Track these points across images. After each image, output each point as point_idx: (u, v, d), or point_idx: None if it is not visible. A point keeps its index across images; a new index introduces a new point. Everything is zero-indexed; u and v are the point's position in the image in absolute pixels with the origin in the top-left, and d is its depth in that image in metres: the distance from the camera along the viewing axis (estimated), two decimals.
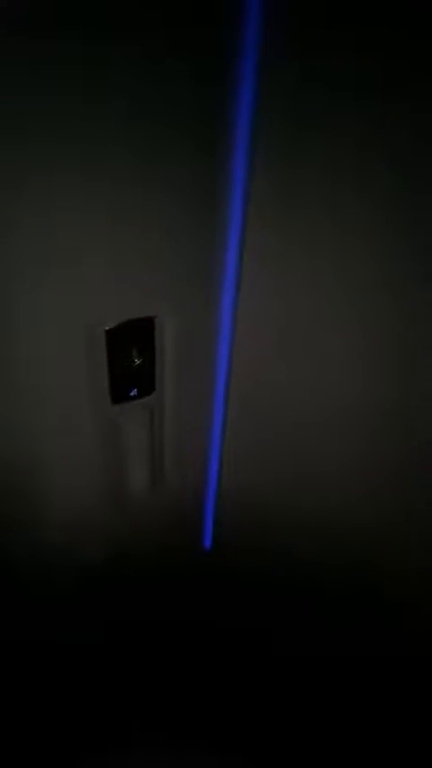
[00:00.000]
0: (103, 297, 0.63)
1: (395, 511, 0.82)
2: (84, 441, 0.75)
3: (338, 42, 0.49)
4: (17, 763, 1.06)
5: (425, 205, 0.57)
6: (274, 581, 0.99)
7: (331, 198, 0.59)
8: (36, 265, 0.57)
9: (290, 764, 1.10)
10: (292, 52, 0.50)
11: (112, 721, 1.13)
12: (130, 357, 0.69)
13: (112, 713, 1.13)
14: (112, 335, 0.66)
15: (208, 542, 0.96)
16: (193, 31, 0.48)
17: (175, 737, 1.13)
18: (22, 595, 0.91)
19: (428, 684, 0.94)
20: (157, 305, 0.66)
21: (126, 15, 0.45)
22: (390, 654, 0.97)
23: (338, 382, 0.74)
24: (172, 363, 0.73)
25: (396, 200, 0.57)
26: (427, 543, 0.81)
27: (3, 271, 0.57)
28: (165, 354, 0.71)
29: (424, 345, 0.67)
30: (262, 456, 0.85)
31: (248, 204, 0.59)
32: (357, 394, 0.74)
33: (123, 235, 0.59)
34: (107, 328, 0.65)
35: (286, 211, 0.60)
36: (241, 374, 0.75)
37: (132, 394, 0.73)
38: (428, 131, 0.53)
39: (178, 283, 0.65)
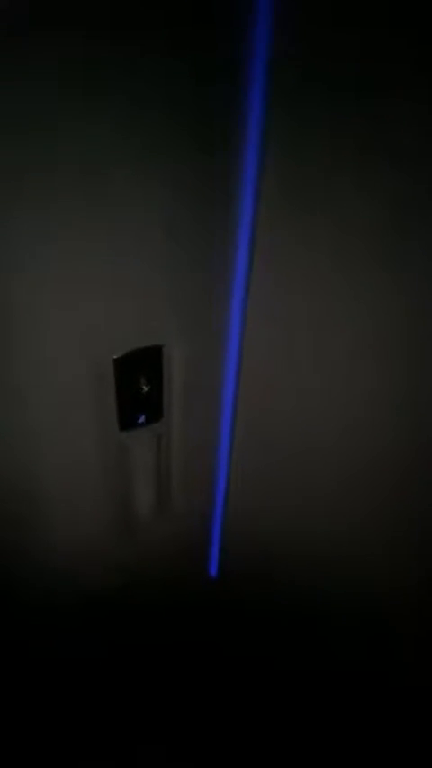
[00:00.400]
0: (112, 326, 0.64)
1: (402, 538, 0.81)
2: (91, 467, 0.75)
3: (347, 42, 0.49)
4: None
5: None
6: (280, 608, 0.98)
7: (341, 224, 0.59)
8: (44, 294, 0.58)
9: None
10: (300, 51, 0.49)
11: (117, 745, 1.11)
12: (139, 385, 0.70)
13: (117, 738, 1.11)
14: (120, 364, 0.66)
15: (214, 569, 0.95)
16: (200, 31, 0.48)
17: (177, 759, 1.12)
18: (28, 620, 0.91)
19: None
20: (164, 333, 0.67)
21: (132, 16, 0.45)
22: (395, 683, 0.96)
23: (346, 408, 0.74)
24: (180, 390, 0.73)
25: (408, 201, 0.57)
26: None
27: (11, 300, 0.58)
28: (172, 381, 0.72)
29: None
30: (268, 482, 0.85)
31: (256, 231, 0.60)
32: (366, 420, 0.74)
33: (131, 264, 0.60)
34: (116, 357, 0.66)
35: (294, 240, 0.61)
36: (248, 401, 0.75)
37: (140, 421, 0.73)
38: None
39: (186, 311, 0.66)
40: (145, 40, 0.47)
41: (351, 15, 0.47)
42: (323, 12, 0.47)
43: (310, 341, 0.69)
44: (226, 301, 0.67)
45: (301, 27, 0.48)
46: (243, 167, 0.56)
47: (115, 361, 0.66)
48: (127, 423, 0.72)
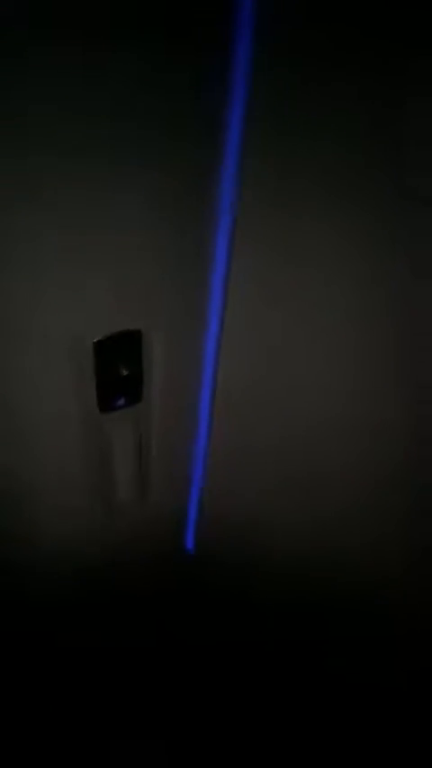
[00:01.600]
0: (92, 309, 0.64)
1: (379, 515, 0.84)
2: (72, 449, 0.76)
3: (331, 41, 0.50)
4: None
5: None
6: (257, 585, 1.01)
7: (322, 203, 0.60)
8: (24, 277, 0.58)
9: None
10: (284, 52, 0.50)
11: (103, 722, 1.13)
12: (118, 368, 0.71)
13: (102, 713, 1.13)
14: (99, 347, 0.67)
15: (191, 548, 0.97)
16: (186, 30, 0.48)
17: (161, 737, 1.14)
18: (7, 600, 0.92)
19: (422, 689, 0.96)
20: (145, 317, 0.67)
21: (121, 16, 0.46)
22: (382, 658, 0.99)
23: (325, 391, 0.75)
24: (159, 373, 0.74)
25: (392, 204, 0.58)
26: (417, 546, 0.83)
27: None
28: (152, 365, 0.73)
29: (417, 350, 0.68)
30: (247, 463, 0.86)
31: (236, 216, 0.60)
32: (344, 403, 0.75)
33: (112, 248, 0.60)
34: (95, 340, 0.66)
35: (274, 221, 0.61)
36: (227, 383, 0.77)
37: (120, 404, 0.74)
38: (423, 129, 0.53)
39: (166, 296, 0.66)
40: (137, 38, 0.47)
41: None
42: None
43: (289, 322, 0.70)
44: (206, 285, 0.67)
45: (286, 26, 0.49)
46: (223, 149, 0.57)
47: (95, 344, 0.66)
48: (107, 405, 0.73)
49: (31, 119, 0.49)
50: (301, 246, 0.63)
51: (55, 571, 0.90)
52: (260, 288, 0.68)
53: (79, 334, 0.65)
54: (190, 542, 0.98)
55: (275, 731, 1.14)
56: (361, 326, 0.68)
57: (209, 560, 0.98)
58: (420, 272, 0.61)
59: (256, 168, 0.57)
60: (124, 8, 0.46)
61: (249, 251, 0.64)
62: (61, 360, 0.66)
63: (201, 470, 0.86)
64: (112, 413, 0.74)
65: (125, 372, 0.71)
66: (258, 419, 0.80)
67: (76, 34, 0.46)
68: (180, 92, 0.51)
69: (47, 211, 0.54)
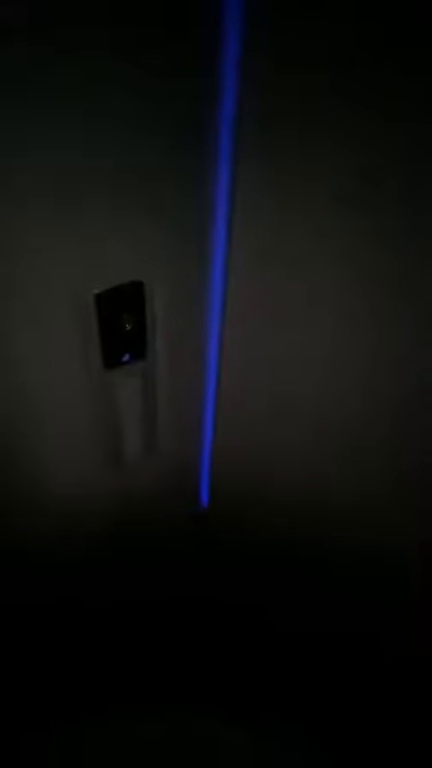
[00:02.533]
0: (92, 262, 0.63)
1: (386, 473, 0.83)
2: (78, 406, 0.76)
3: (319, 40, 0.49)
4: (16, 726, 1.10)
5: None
6: (271, 540, 1.01)
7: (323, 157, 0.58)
8: (21, 231, 0.57)
9: (284, 729, 1.14)
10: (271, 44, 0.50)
11: (111, 686, 1.16)
12: (122, 322, 0.70)
13: (110, 677, 1.16)
14: (101, 300, 0.66)
15: (204, 503, 0.97)
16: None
17: (170, 701, 1.17)
18: (21, 562, 0.93)
19: (423, 654, 0.96)
20: (147, 269, 0.66)
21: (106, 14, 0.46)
22: (394, 618, 0.99)
23: (332, 345, 0.74)
24: (164, 328, 0.73)
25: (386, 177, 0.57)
26: (419, 508, 0.83)
27: None
28: (156, 319, 0.71)
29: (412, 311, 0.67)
30: (256, 417, 0.86)
31: (238, 165, 0.58)
32: (350, 356, 0.74)
33: (112, 198, 0.58)
34: (96, 293, 0.65)
35: (278, 173, 0.60)
36: (234, 337, 0.75)
37: (125, 359, 0.73)
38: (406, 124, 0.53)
39: (168, 248, 0.65)
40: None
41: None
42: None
43: (296, 276, 0.68)
44: (209, 237, 0.65)
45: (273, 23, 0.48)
46: (222, 104, 0.55)
47: (96, 296, 0.65)
48: (111, 361, 0.72)
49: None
50: (312, 192, 0.61)
51: (66, 527, 0.91)
52: (266, 237, 0.66)
53: (80, 287, 0.64)
54: (204, 497, 0.98)
55: (283, 688, 1.16)
56: (377, 276, 0.66)
57: (223, 514, 0.98)
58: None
59: (259, 116, 0.55)
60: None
61: (254, 199, 0.61)
62: (63, 315, 0.66)
63: (211, 425, 0.86)
64: (118, 369, 0.74)
65: (128, 326, 0.70)
66: (269, 370, 0.79)
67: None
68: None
69: (43, 162, 0.53)
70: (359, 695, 1.08)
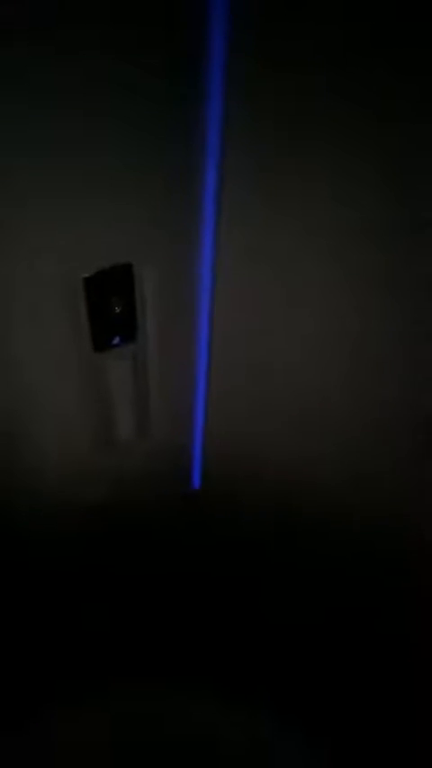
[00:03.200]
0: (81, 245, 0.62)
1: (381, 454, 0.84)
2: (68, 389, 0.76)
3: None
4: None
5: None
6: (262, 519, 1.02)
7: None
8: (8, 213, 0.56)
9: (279, 706, 1.16)
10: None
11: (106, 664, 1.18)
12: (111, 304, 0.69)
13: (105, 656, 1.17)
14: (90, 283, 0.65)
15: (197, 482, 0.98)
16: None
17: (164, 680, 1.18)
18: (13, 543, 0.94)
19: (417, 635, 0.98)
20: (136, 251, 0.65)
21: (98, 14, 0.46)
22: (379, 595, 1.01)
23: (323, 325, 0.73)
24: (154, 310, 0.72)
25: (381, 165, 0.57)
26: (415, 487, 0.83)
27: None
28: (146, 301, 0.71)
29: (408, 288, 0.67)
30: (247, 398, 0.86)
31: (227, 150, 0.58)
32: (344, 333, 0.74)
33: (101, 181, 0.57)
34: (85, 276, 0.64)
35: (266, 153, 0.59)
36: (224, 317, 0.75)
37: (115, 342, 0.73)
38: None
39: (158, 229, 0.64)
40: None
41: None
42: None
43: (285, 251, 0.68)
44: (198, 216, 0.64)
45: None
46: (210, 77, 0.53)
47: (85, 280, 0.64)
48: (101, 344, 0.72)
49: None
50: (298, 172, 0.60)
51: (57, 510, 0.91)
52: (255, 216, 0.65)
53: (69, 270, 0.63)
54: (196, 479, 0.98)
55: (276, 664, 1.17)
56: (366, 246, 0.65)
57: (215, 494, 0.99)
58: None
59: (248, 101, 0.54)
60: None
61: (243, 180, 0.61)
62: (52, 298, 0.65)
63: (202, 406, 0.86)
64: (108, 351, 0.73)
65: (118, 309, 0.69)
66: (259, 350, 0.78)
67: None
68: None
69: (34, 139, 0.52)
70: (353, 675, 1.10)
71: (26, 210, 0.57)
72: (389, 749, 1.07)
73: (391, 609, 0.99)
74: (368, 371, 0.75)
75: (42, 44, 0.46)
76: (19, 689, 1.12)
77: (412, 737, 1.03)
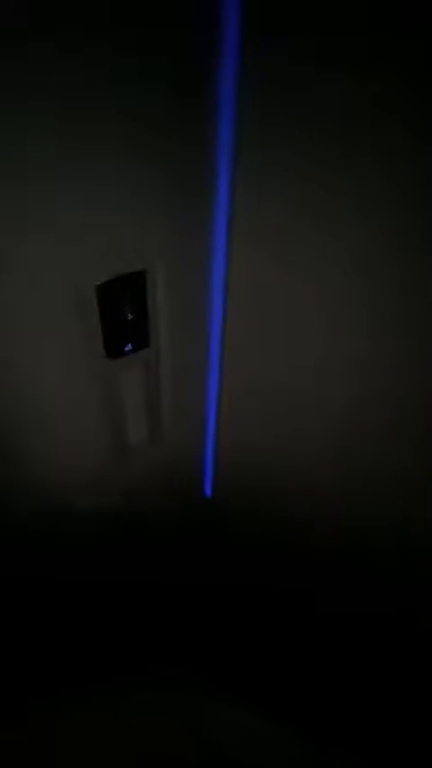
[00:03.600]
0: (93, 252, 0.62)
1: (396, 456, 0.83)
2: (82, 397, 0.75)
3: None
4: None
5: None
6: (274, 526, 1.01)
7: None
8: (22, 220, 0.56)
9: (290, 710, 1.15)
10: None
11: (118, 663, 1.17)
12: (123, 312, 0.69)
13: (116, 656, 1.17)
14: (103, 291, 0.65)
15: (208, 491, 0.97)
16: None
17: (178, 677, 1.18)
18: (23, 548, 0.94)
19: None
20: (148, 258, 0.65)
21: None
22: (391, 597, 1.00)
23: (338, 329, 0.73)
24: (166, 316, 0.72)
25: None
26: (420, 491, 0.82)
27: None
28: (158, 307, 0.71)
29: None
30: (259, 404, 0.85)
31: (238, 150, 0.58)
32: (357, 341, 0.73)
33: (112, 188, 0.57)
34: (98, 283, 0.64)
35: (279, 158, 0.58)
36: (236, 323, 0.75)
37: (127, 349, 0.73)
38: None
39: (169, 235, 0.64)
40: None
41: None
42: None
43: (301, 264, 0.67)
44: (210, 222, 0.64)
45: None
46: (223, 76, 0.53)
47: (98, 287, 0.64)
48: (114, 351, 0.72)
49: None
50: (313, 180, 0.60)
51: (70, 518, 0.91)
52: (267, 223, 0.64)
53: (82, 277, 0.63)
54: (208, 487, 0.98)
55: (286, 669, 1.16)
56: (386, 258, 0.64)
57: (226, 504, 0.98)
58: None
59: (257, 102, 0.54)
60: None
61: (254, 187, 0.60)
62: (65, 305, 0.65)
63: (214, 414, 0.85)
64: (120, 358, 0.73)
65: (131, 316, 0.69)
66: (272, 356, 0.78)
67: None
68: None
69: (43, 147, 0.52)
70: (362, 677, 1.09)
71: (38, 216, 0.57)
72: (386, 739, 1.06)
73: (403, 612, 0.97)
74: (379, 381, 0.74)
75: (44, 40, 0.46)
76: (26, 681, 1.12)
77: (410, 729, 1.02)
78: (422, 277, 0.61)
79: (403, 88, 0.51)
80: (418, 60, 0.49)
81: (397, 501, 0.85)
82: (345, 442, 0.84)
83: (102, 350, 0.71)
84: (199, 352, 0.78)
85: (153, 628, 1.17)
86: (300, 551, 1.02)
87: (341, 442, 0.84)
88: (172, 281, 0.68)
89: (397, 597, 0.96)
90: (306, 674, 1.15)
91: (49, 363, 0.70)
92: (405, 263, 0.61)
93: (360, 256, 0.63)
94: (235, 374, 0.81)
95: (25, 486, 0.84)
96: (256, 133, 0.56)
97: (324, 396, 0.79)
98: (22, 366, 0.69)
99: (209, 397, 0.84)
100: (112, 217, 0.60)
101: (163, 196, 0.60)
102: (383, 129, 0.54)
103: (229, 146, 0.58)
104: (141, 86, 0.52)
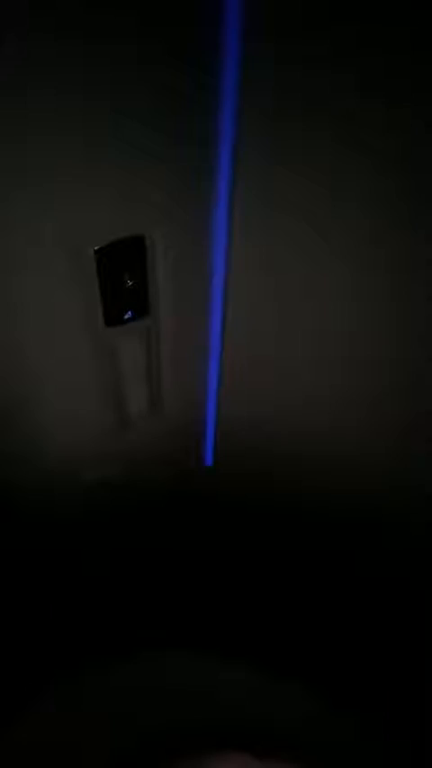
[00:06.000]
0: (92, 217, 0.60)
1: (393, 420, 0.83)
2: (81, 366, 0.75)
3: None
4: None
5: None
6: (275, 494, 1.02)
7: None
8: (19, 185, 0.55)
9: (288, 669, 1.17)
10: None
11: (119, 636, 1.19)
12: (123, 278, 0.68)
13: (119, 627, 1.18)
14: (101, 256, 0.64)
15: (209, 460, 0.97)
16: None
17: (177, 647, 1.19)
18: (29, 519, 0.94)
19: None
20: (149, 224, 0.64)
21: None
22: (388, 570, 1.01)
23: (341, 296, 0.72)
24: (166, 283, 0.71)
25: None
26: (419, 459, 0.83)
27: None
28: (158, 274, 0.69)
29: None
30: (260, 372, 0.84)
31: (240, 126, 0.56)
32: (359, 309, 0.72)
33: (109, 151, 0.56)
34: (96, 248, 0.63)
35: (281, 126, 0.57)
36: (238, 290, 0.73)
37: (127, 317, 0.72)
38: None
39: (170, 201, 0.62)
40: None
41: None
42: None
43: (302, 232, 0.66)
44: (211, 186, 0.63)
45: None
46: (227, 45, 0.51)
47: (96, 252, 0.63)
48: (113, 319, 0.71)
49: None
50: (311, 147, 0.58)
51: (69, 488, 0.91)
52: (269, 188, 0.63)
53: (80, 243, 0.62)
54: (208, 456, 0.98)
55: (291, 629, 1.18)
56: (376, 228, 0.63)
57: (227, 473, 0.99)
58: None
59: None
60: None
61: (256, 152, 0.59)
62: (64, 272, 0.64)
63: (215, 382, 0.85)
64: (120, 326, 0.72)
65: (130, 283, 0.68)
66: (272, 324, 0.77)
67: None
68: None
69: (39, 107, 0.50)
70: (356, 637, 1.11)
71: (37, 182, 0.55)
72: (390, 696, 1.09)
73: (400, 585, 0.99)
74: (375, 347, 0.73)
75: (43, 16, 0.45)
76: (31, 655, 1.14)
77: (412, 684, 1.05)
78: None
79: (406, 87, 0.51)
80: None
81: (395, 466, 0.85)
82: (343, 409, 0.84)
83: (101, 317, 0.70)
84: (200, 320, 0.77)
85: (155, 596, 1.19)
86: (300, 517, 1.03)
87: (340, 409, 0.84)
88: (172, 248, 0.67)
89: (397, 559, 0.97)
90: (310, 633, 1.17)
91: (46, 330, 0.69)
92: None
93: (366, 222, 0.62)
94: (236, 342, 0.80)
95: (24, 458, 0.84)
96: (259, 98, 0.54)
97: (328, 362, 0.79)
98: (19, 333, 0.68)
99: (209, 366, 0.83)
100: (112, 181, 0.58)
101: (165, 160, 0.58)
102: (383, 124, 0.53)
103: (233, 111, 0.56)
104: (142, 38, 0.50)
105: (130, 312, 0.71)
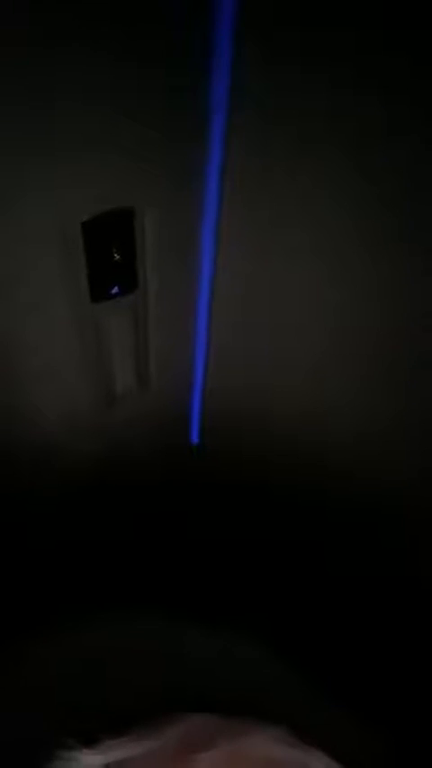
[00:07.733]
0: (77, 187, 0.58)
1: (386, 403, 0.82)
2: (65, 343, 0.73)
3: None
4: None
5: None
6: (261, 471, 1.02)
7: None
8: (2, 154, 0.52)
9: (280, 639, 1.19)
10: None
11: (108, 613, 1.19)
12: (110, 252, 0.66)
13: (107, 606, 1.19)
14: (88, 228, 0.61)
15: (195, 439, 0.97)
16: None
17: (172, 628, 1.20)
18: (12, 493, 0.93)
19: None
20: (137, 195, 0.62)
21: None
22: (394, 552, 1.01)
23: (334, 268, 0.71)
24: (155, 257, 0.69)
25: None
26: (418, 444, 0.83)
27: None
28: (147, 248, 0.67)
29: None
30: (249, 350, 0.84)
31: (234, 92, 0.54)
32: (355, 284, 0.71)
33: (96, 117, 0.53)
34: (83, 221, 0.60)
35: (276, 106, 0.55)
36: (228, 267, 0.72)
37: (114, 291, 0.70)
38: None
39: (159, 172, 0.60)
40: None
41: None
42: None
43: (292, 207, 0.64)
44: (202, 157, 0.61)
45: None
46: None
47: (83, 225, 0.61)
48: (99, 294, 0.69)
49: None
50: (308, 114, 0.56)
51: (55, 464, 0.90)
52: (264, 162, 0.61)
53: (66, 215, 0.60)
54: (195, 435, 0.97)
55: (279, 624, 1.20)
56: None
57: (214, 450, 0.98)
58: None
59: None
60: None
61: (251, 125, 0.57)
62: (48, 245, 0.61)
63: (203, 359, 0.84)
64: (106, 301, 0.70)
65: (117, 256, 0.66)
66: (264, 301, 0.76)
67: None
68: None
69: (23, 75, 0.47)
70: (349, 621, 1.13)
71: (19, 150, 0.53)
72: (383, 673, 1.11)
73: (394, 562, 1.00)
74: (380, 324, 0.73)
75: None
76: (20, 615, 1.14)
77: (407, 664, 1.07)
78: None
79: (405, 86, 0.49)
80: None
81: (388, 442, 0.85)
82: (331, 387, 0.83)
83: (87, 292, 0.68)
84: (188, 295, 0.75)
85: (139, 568, 1.19)
86: (287, 495, 1.03)
87: (328, 387, 0.84)
88: (162, 222, 0.65)
89: (393, 540, 0.98)
90: (291, 603, 1.18)
91: (30, 305, 0.67)
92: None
93: (363, 197, 0.61)
94: (224, 319, 0.79)
95: (8, 430, 0.82)
96: (254, 70, 0.52)
97: (319, 338, 0.78)
98: (1, 310, 0.66)
99: (197, 342, 0.82)
100: (99, 150, 0.56)
101: (154, 130, 0.56)
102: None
103: (226, 85, 0.54)
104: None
105: (116, 287, 0.70)
